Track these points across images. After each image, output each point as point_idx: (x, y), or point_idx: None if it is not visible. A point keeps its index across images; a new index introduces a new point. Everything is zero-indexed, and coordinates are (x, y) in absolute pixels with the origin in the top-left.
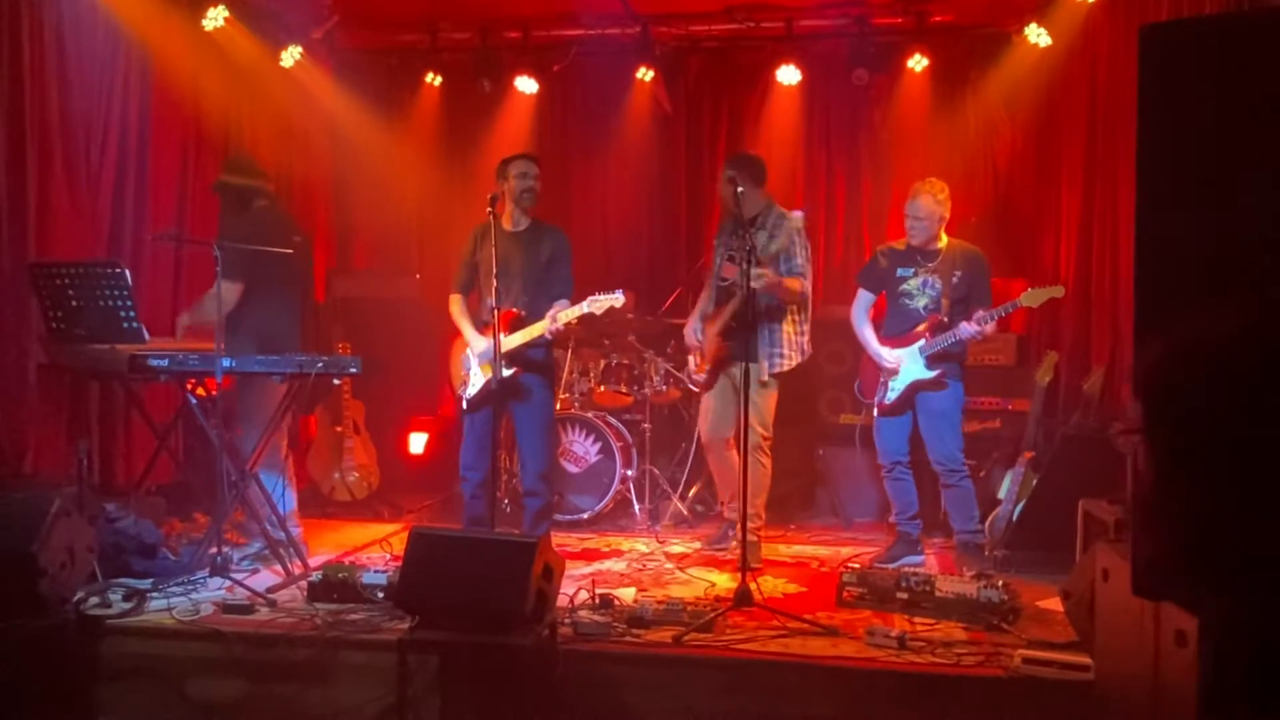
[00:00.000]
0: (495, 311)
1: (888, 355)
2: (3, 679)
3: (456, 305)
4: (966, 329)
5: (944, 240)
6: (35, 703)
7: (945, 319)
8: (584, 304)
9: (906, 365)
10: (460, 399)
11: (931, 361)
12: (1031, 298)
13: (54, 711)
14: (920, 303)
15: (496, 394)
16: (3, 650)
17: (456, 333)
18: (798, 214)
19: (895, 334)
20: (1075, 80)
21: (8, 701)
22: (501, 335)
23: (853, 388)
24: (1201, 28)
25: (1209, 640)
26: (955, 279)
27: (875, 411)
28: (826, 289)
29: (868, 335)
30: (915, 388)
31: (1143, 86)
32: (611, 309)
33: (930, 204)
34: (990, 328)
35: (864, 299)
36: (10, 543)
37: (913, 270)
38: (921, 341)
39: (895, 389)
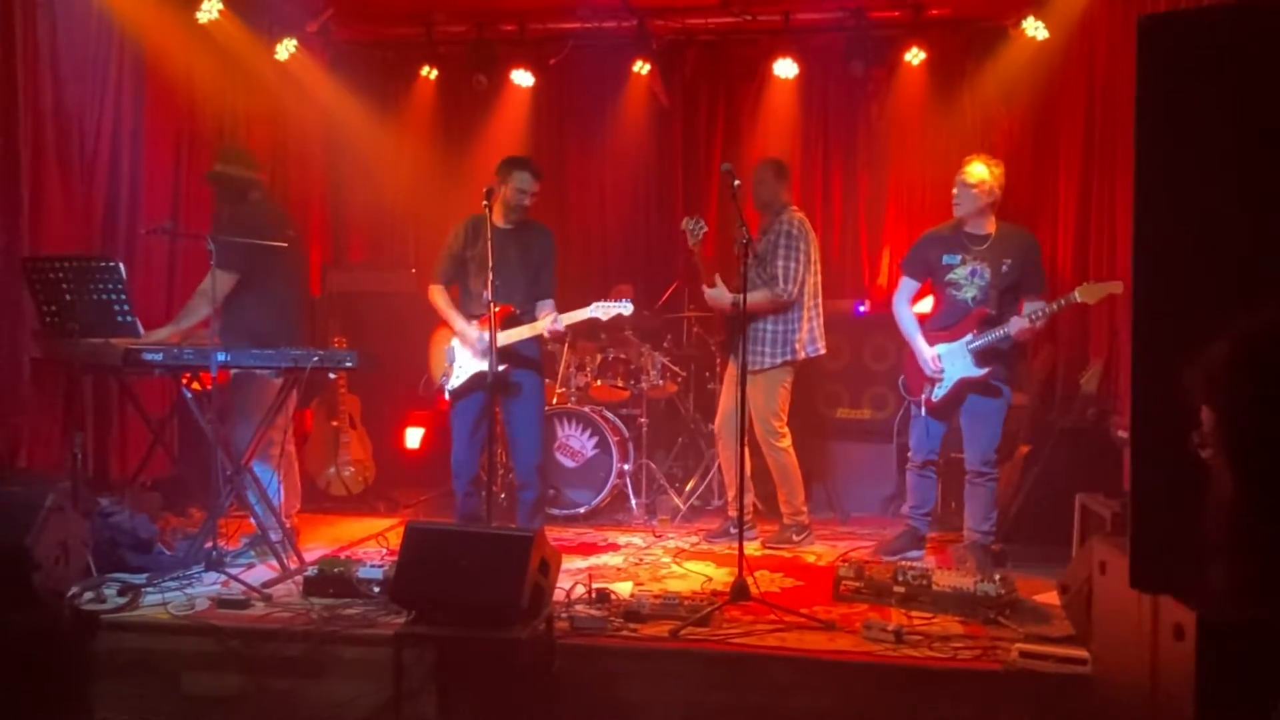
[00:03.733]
0: (492, 306)
1: (928, 355)
2: None
3: (441, 295)
4: (1016, 323)
5: (994, 224)
6: (30, 697)
7: (994, 312)
8: (591, 308)
9: (954, 362)
10: (441, 389)
11: (980, 359)
12: (1088, 293)
13: (49, 706)
14: (968, 294)
15: (490, 389)
16: None
17: (440, 324)
18: (788, 215)
19: (943, 327)
20: (1073, 74)
21: (2, 696)
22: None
23: (848, 382)
24: (1200, 18)
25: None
26: (1005, 267)
27: (922, 409)
28: (823, 283)
29: (911, 329)
30: (964, 386)
31: (1142, 78)
32: (620, 315)
33: (982, 171)
34: (1042, 323)
35: (907, 287)
36: (4, 537)
37: (959, 257)
38: (968, 336)
39: (944, 387)
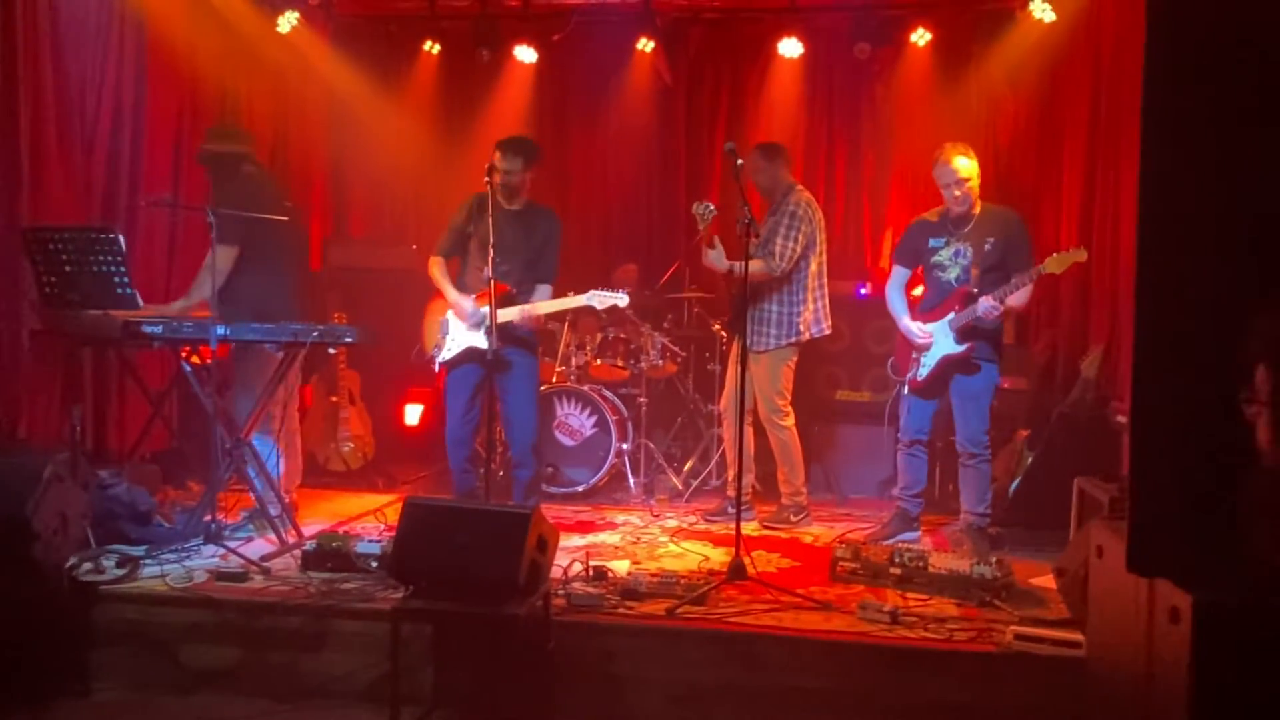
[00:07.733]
0: (492, 283)
1: (917, 329)
2: None
3: (438, 267)
4: (984, 304)
5: (978, 206)
6: (29, 667)
7: (974, 290)
8: (586, 296)
9: (937, 340)
10: (433, 360)
11: (961, 336)
12: (1055, 263)
13: (46, 675)
14: (952, 274)
15: (489, 366)
16: None
17: (435, 295)
18: (795, 196)
19: (929, 308)
20: (1079, 57)
21: (1, 665)
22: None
23: (848, 364)
24: None
25: None
26: (987, 246)
27: (906, 388)
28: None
29: (899, 310)
30: (946, 363)
31: (1150, 50)
32: (615, 307)
33: (969, 164)
34: (1015, 299)
35: (898, 275)
36: (3, 507)
37: (944, 240)
38: (951, 314)
39: (927, 365)
